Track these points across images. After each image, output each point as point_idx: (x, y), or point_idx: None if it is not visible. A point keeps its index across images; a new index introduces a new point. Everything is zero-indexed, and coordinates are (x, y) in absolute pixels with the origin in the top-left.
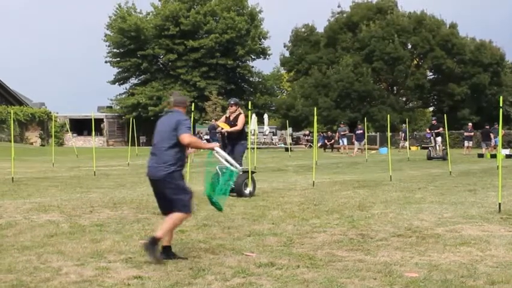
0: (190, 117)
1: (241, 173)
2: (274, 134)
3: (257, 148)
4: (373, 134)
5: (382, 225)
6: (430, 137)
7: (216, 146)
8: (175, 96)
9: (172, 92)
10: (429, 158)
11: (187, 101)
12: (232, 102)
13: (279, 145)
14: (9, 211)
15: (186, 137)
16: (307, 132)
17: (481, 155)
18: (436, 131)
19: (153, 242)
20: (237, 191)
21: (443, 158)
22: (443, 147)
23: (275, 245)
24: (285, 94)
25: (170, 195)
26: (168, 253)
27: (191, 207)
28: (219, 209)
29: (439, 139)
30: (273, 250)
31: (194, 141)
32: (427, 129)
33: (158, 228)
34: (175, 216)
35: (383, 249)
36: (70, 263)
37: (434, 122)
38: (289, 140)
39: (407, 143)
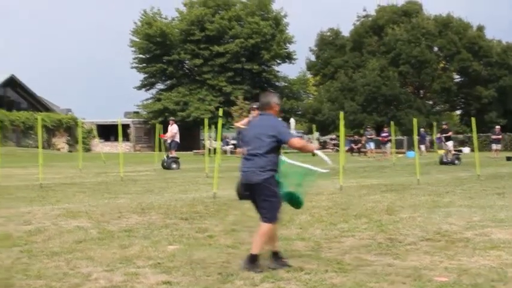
0: (216, 120)
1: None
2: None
3: (284, 152)
4: (400, 137)
5: (411, 229)
6: (439, 142)
7: (317, 147)
8: (261, 99)
9: (261, 94)
10: (441, 162)
11: (272, 101)
12: (255, 106)
13: None
14: (38, 217)
15: (296, 142)
16: (333, 136)
17: (509, 158)
18: (445, 135)
19: (251, 260)
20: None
21: (453, 162)
22: (454, 152)
23: (303, 250)
24: (311, 98)
25: (263, 200)
26: (276, 259)
27: (279, 216)
28: (300, 203)
29: (449, 143)
30: (301, 255)
31: (304, 144)
32: (438, 134)
33: (252, 244)
34: (264, 228)
35: (412, 254)
36: (99, 269)
37: (444, 126)
38: (316, 145)
39: (423, 147)
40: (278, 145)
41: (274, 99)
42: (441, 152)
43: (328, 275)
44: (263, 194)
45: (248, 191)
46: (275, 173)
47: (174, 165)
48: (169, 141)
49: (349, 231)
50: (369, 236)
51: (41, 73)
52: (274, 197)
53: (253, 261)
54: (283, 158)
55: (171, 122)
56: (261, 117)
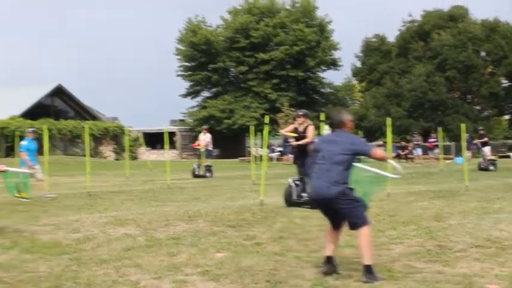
0: (262, 129)
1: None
2: None
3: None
4: (448, 143)
5: (460, 236)
6: (476, 147)
7: (389, 157)
8: (334, 117)
9: (332, 112)
10: (479, 168)
11: (345, 118)
12: (300, 113)
13: None
14: (86, 225)
15: (379, 152)
16: (380, 142)
17: None
18: (481, 140)
19: (368, 271)
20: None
21: (487, 168)
22: (489, 158)
23: (352, 257)
24: (357, 104)
25: (346, 210)
26: (331, 263)
27: (368, 217)
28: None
29: (485, 149)
30: (350, 262)
31: (385, 154)
32: (476, 139)
33: (362, 256)
34: (363, 233)
35: (462, 261)
36: (147, 276)
37: (481, 131)
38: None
39: (469, 153)
40: (353, 160)
41: (346, 116)
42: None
43: (378, 283)
44: (343, 205)
45: (320, 204)
46: (347, 185)
47: (208, 174)
48: (202, 149)
49: (398, 238)
50: (417, 243)
51: (88, 82)
52: (355, 202)
53: (369, 272)
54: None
55: (204, 130)
56: (336, 133)
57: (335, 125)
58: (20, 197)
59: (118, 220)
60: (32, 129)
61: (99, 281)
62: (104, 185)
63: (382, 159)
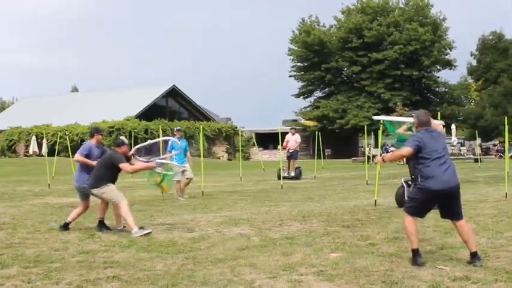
0: (379, 129)
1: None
2: (462, 145)
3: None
4: None
5: None
6: None
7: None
8: (423, 117)
9: (421, 113)
10: None
11: (430, 118)
12: (414, 114)
13: (468, 156)
14: (201, 224)
15: None
16: (496, 142)
17: None
18: None
19: (477, 256)
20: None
21: None
22: None
23: (469, 259)
24: (472, 104)
25: (459, 204)
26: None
27: None
28: None
29: None
30: (467, 263)
31: None
32: None
33: (472, 243)
34: (467, 224)
35: None
36: (262, 276)
37: None
38: (478, 151)
39: None
40: None
41: (425, 117)
42: None
43: (496, 285)
44: (459, 195)
45: (447, 196)
46: None
47: (300, 175)
48: (291, 150)
49: None
50: None
51: (202, 84)
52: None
53: (475, 256)
54: None
55: (292, 130)
56: (429, 130)
57: (424, 123)
58: (161, 190)
59: (232, 220)
60: (179, 128)
61: (214, 279)
62: (218, 185)
63: None
